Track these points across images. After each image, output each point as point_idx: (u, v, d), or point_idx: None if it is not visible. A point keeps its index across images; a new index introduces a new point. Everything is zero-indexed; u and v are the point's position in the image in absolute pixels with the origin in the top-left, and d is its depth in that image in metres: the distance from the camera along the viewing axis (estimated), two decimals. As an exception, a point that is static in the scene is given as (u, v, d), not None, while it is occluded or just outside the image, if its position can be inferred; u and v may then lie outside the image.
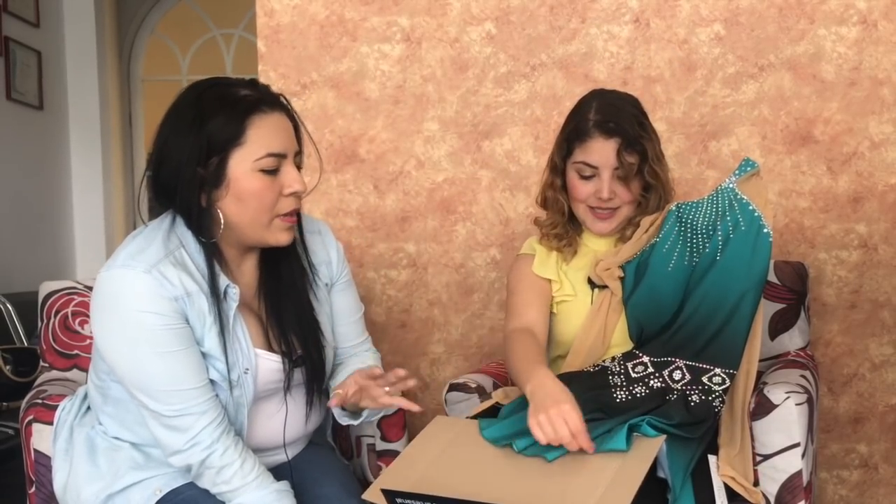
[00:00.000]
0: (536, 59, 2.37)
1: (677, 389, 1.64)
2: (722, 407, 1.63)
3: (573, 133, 1.78)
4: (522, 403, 1.69)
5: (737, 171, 1.76)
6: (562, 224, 1.86)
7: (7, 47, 3.95)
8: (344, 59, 2.40)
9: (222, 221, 1.46)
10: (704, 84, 2.34)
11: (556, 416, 1.46)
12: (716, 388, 1.64)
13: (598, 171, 1.76)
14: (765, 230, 1.69)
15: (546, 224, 1.88)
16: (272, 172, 1.45)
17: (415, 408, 1.52)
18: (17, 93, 4.05)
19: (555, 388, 1.52)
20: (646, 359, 1.69)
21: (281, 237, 1.49)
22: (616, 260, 1.79)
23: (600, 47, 2.36)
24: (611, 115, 1.76)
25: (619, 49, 2.35)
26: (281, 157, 1.46)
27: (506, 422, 1.60)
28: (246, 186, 1.44)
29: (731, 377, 1.65)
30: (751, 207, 1.71)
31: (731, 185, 1.75)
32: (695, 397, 1.62)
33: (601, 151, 1.75)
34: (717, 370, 1.64)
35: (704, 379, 1.64)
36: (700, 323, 1.68)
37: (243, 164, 1.43)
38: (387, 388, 1.49)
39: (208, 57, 5.40)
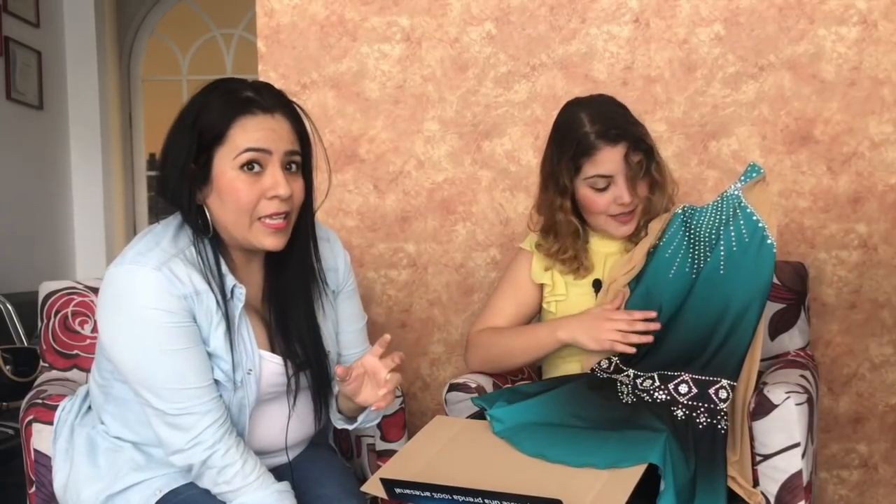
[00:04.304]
0: (536, 59, 2.37)
1: (683, 403, 1.63)
2: (727, 427, 1.62)
3: (578, 151, 1.76)
4: (532, 387, 1.71)
5: (742, 178, 1.74)
6: (572, 247, 1.85)
7: (7, 47, 3.95)
8: (344, 59, 2.40)
9: (210, 219, 1.46)
10: (704, 84, 2.34)
11: (604, 330, 1.71)
12: (721, 404, 1.62)
13: (613, 179, 1.76)
14: (768, 241, 1.68)
15: (553, 251, 1.87)
16: (254, 172, 1.43)
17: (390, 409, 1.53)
18: (17, 93, 4.05)
19: (578, 317, 1.78)
20: (654, 373, 1.69)
21: (265, 241, 1.47)
22: (625, 277, 1.80)
23: (600, 47, 2.36)
24: (608, 121, 1.76)
25: (619, 49, 2.35)
26: (262, 153, 1.43)
27: (518, 406, 1.62)
28: (226, 184, 1.43)
29: (733, 389, 1.64)
30: (755, 218, 1.69)
31: (736, 192, 1.73)
32: (702, 419, 1.61)
33: (612, 159, 1.75)
34: (724, 381, 1.63)
35: (711, 392, 1.63)
36: (705, 336, 1.67)
37: (225, 161, 1.43)
38: (386, 377, 1.46)
39: (208, 57, 5.40)
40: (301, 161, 1.50)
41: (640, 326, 1.70)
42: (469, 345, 1.94)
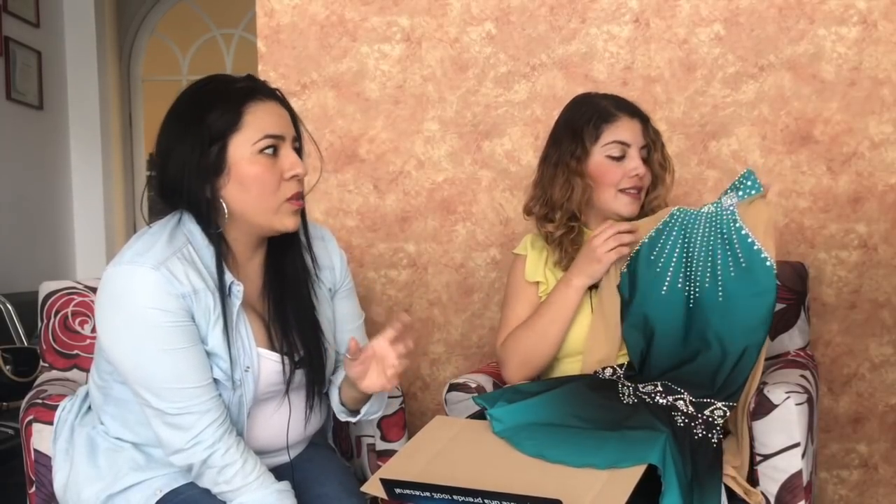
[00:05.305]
0: (536, 59, 2.37)
1: (682, 412, 1.63)
2: (720, 439, 1.61)
3: (599, 118, 1.83)
4: (532, 387, 1.71)
5: (740, 192, 1.71)
6: (577, 225, 1.86)
7: (7, 47, 3.95)
8: (344, 59, 2.40)
9: (226, 211, 1.47)
10: (704, 84, 2.34)
11: (599, 246, 1.75)
12: (717, 419, 1.62)
13: (629, 150, 1.82)
14: (767, 263, 1.66)
15: (559, 234, 1.86)
16: (271, 156, 1.47)
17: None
18: (17, 93, 4.05)
19: (575, 261, 1.81)
20: (659, 383, 1.69)
21: (288, 222, 1.50)
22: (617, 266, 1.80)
23: (600, 47, 2.36)
24: (621, 100, 1.88)
25: (619, 49, 2.35)
26: (278, 138, 1.48)
27: (518, 405, 1.61)
28: (246, 171, 1.45)
29: (732, 409, 1.64)
30: (749, 240, 1.67)
31: (731, 208, 1.71)
32: (699, 430, 1.61)
33: (631, 128, 1.83)
34: (720, 404, 1.63)
35: (707, 412, 1.63)
36: (712, 371, 1.66)
37: (242, 148, 1.45)
38: (395, 363, 1.47)
39: (208, 57, 5.41)
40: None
41: (626, 227, 1.77)
42: (502, 357, 1.89)
